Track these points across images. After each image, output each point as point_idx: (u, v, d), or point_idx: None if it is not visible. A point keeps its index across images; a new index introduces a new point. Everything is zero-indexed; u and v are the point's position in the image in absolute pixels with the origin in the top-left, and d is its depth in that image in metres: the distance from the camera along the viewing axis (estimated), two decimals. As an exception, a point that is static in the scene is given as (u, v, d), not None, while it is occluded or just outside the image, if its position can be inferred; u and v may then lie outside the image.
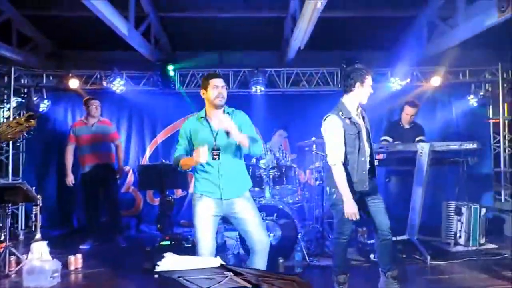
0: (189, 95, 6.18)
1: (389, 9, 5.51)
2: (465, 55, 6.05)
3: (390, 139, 4.83)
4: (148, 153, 6.41)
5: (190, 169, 2.90)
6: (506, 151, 6.22)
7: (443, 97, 6.45)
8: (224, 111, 2.92)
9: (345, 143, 2.99)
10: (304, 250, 4.30)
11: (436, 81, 5.94)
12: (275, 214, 4.26)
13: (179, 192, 6.36)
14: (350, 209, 2.94)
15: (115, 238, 5.12)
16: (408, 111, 4.96)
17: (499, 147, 6.28)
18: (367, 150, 3.11)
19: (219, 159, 2.80)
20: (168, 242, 4.14)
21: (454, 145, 4.29)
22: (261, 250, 2.88)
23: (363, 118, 3.17)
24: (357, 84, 3.03)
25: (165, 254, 1.46)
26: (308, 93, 6.15)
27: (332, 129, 3.00)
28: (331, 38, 6.02)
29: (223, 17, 5.58)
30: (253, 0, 5.36)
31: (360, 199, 3.10)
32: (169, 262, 1.41)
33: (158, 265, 1.43)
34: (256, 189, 4.64)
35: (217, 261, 1.29)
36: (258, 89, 5.83)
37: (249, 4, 5.41)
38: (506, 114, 6.23)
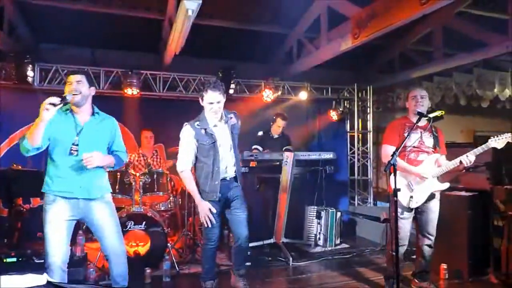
0: (50, 92, 5.55)
1: (265, 24, 5.83)
2: (328, 74, 6.78)
3: (260, 148, 5.08)
4: (-3, 156, 5.53)
5: (37, 145, 2.55)
6: (360, 161, 7.11)
7: (309, 111, 7.06)
8: (93, 112, 2.81)
9: (198, 153, 3.11)
10: (174, 258, 4.23)
11: (303, 95, 6.49)
12: (144, 222, 4.10)
13: (36, 201, 5.62)
14: (203, 208, 3.04)
15: None
16: (280, 123, 5.30)
17: (354, 157, 7.14)
18: (227, 160, 3.17)
19: (77, 155, 2.65)
20: (13, 259, 3.59)
21: (314, 155, 4.74)
22: (115, 256, 2.78)
23: (232, 127, 3.21)
24: (200, 99, 3.15)
25: (-20, 275, 1.24)
26: (185, 99, 6.09)
27: (183, 138, 3.13)
28: (211, 46, 6.10)
29: (96, 12, 5.17)
30: (131, -1, 5.12)
31: (224, 206, 3.21)
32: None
33: (-31, 289, 1.20)
34: (125, 196, 4.40)
35: (43, 279, 1.14)
36: (132, 91, 5.53)
37: (124, 2, 5.14)
38: (360, 129, 7.14)
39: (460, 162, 3.18)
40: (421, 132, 3.33)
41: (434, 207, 3.38)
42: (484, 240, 3.81)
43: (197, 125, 3.09)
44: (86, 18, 5.22)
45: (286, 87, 6.57)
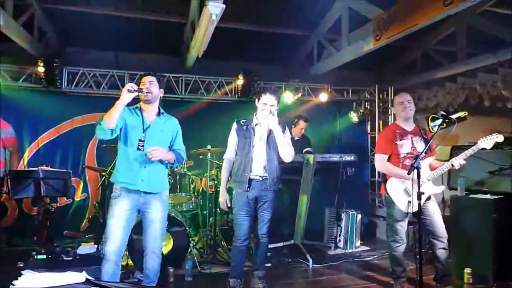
0: (78, 95, 5.74)
1: (285, 26, 5.86)
2: (348, 75, 6.74)
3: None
4: (26, 157, 5.73)
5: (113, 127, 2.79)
6: (380, 162, 7.03)
7: (329, 112, 7.04)
8: (159, 113, 3.07)
9: (237, 146, 3.42)
10: (195, 258, 4.31)
11: (323, 97, 6.47)
12: (167, 223, 4.18)
13: (63, 200, 5.81)
14: (220, 198, 3.47)
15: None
16: (302, 125, 5.32)
17: (374, 159, 7.05)
18: (258, 159, 3.35)
19: (143, 150, 2.88)
20: (43, 256, 3.73)
21: (335, 157, 4.73)
22: (153, 251, 2.99)
23: (271, 131, 3.34)
24: (256, 100, 3.47)
25: (22, 272, 1.32)
26: (206, 101, 6.18)
27: (230, 132, 3.50)
28: (231, 49, 6.16)
29: (119, 16, 5.32)
30: (152, 2, 5.22)
31: (255, 206, 3.39)
32: (27, 281, 1.28)
33: (13, 285, 1.28)
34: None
35: (82, 277, 1.21)
36: (155, 93, 5.64)
37: (147, 6, 5.26)
38: (381, 130, 7.06)
39: (452, 165, 3.20)
40: (411, 138, 3.39)
41: (435, 209, 3.38)
42: (509, 244, 3.72)
43: (243, 122, 3.45)
44: (110, 22, 5.36)
45: (306, 88, 6.57)
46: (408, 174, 2.77)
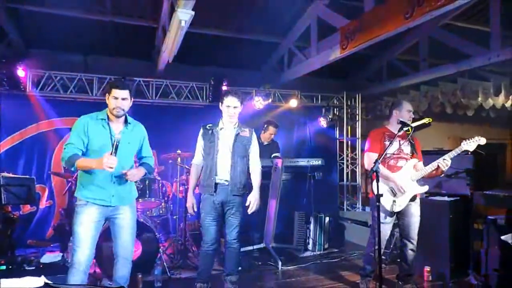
0: (44, 99, 5.60)
1: (257, 33, 5.96)
2: (318, 81, 6.93)
3: (250, 155, 5.16)
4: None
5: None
6: (349, 167, 7.25)
7: (299, 118, 7.19)
8: (126, 121, 2.92)
9: (203, 150, 3.46)
10: (165, 263, 4.29)
11: (293, 103, 6.62)
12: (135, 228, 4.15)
13: (26, 208, 5.63)
14: (187, 202, 3.49)
15: None
16: (272, 130, 5.40)
17: (343, 163, 7.27)
18: (223, 164, 3.38)
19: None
20: (3, 267, 3.62)
21: (302, 161, 4.86)
22: (124, 258, 2.96)
23: (240, 138, 3.42)
24: (220, 103, 3.49)
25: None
26: (177, 106, 6.17)
27: (198, 136, 3.53)
28: (203, 54, 6.20)
29: (89, 19, 5.25)
30: (123, 6, 5.19)
31: (221, 211, 3.41)
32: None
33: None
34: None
35: (40, 281, 1.21)
36: (124, 98, 5.59)
37: (118, 9, 5.22)
38: (349, 136, 7.28)
39: (438, 166, 3.34)
40: (399, 141, 3.52)
41: (416, 211, 3.51)
42: (465, 243, 3.96)
43: (208, 126, 3.48)
44: (79, 24, 5.27)
45: (277, 94, 6.69)
46: (368, 177, 2.89)
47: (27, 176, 4.81)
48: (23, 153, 5.60)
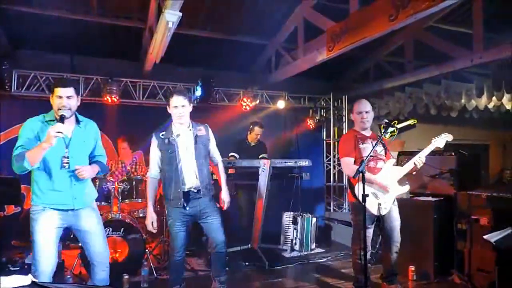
0: (29, 99, 5.53)
1: (245, 34, 5.98)
2: (305, 83, 6.98)
3: (237, 155, 5.20)
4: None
5: (37, 166, 2.60)
6: (335, 168, 7.31)
7: (287, 119, 7.23)
8: (77, 120, 2.82)
9: (161, 161, 3.23)
10: (152, 264, 4.28)
11: (281, 104, 6.66)
12: (122, 229, 4.15)
13: (11, 209, 5.56)
14: (147, 219, 3.24)
15: None
16: (258, 131, 5.44)
17: (330, 164, 7.34)
18: (189, 170, 3.19)
19: (69, 167, 2.67)
20: (-12, 267, 3.59)
21: (290, 162, 4.89)
22: (100, 263, 2.85)
23: (199, 138, 3.25)
24: (167, 107, 3.24)
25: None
26: (165, 106, 6.13)
27: (150, 147, 3.29)
28: (191, 55, 6.19)
29: (75, 19, 5.20)
30: (110, 7, 5.16)
31: (193, 216, 3.26)
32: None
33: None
34: (103, 203, 4.44)
35: (27, 279, 1.22)
36: (111, 98, 5.57)
37: (106, 10, 5.19)
38: (336, 137, 7.35)
39: (414, 163, 3.43)
40: (371, 142, 3.52)
41: (397, 215, 3.54)
42: (448, 243, 4.02)
43: (162, 135, 3.22)
44: (65, 24, 5.21)
45: (264, 95, 6.72)
46: (354, 177, 2.92)
47: (12, 177, 4.75)
48: (8, 153, 5.49)
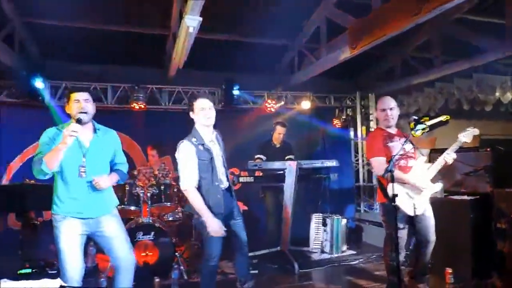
0: (61, 109, 5.73)
1: (266, 36, 5.97)
2: (330, 82, 6.88)
3: (263, 157, 5.18)
4: (11, 172, 5.69)
5: (56, 170, 2.62)
6: (364, 168, 7.16)
7: (312, 119, 7.14)
8: (94, 129, 2.82)
9: (198, 169, 3.00)
10: (182, 267, 4.32)
11: (306, 104, 6.59)
12: (153, 233, 4.22)
13: (49, 214, 5.75)
14: (214, 226, 2.91)
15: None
16: (280, 130, 5.39)
17: (358, 164, 7.19)
18: (222, 174, 3.17)
19: (86, 176, 2.68)
20: (28, 270, 3.74)
21: (317, 163, 4.82)
22: (126, 269, 2.84)
23: (218, 143, 3.23)
24: (191, 112, 3.13)
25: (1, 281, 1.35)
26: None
27: (184, 155, 3.00)
28: (214, 59, 6.24)
29: (101, 29, 5.37)
30: (134, 16, 5.29)
31: (226, 218, 3.16)
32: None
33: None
34: (133, 207, 4.53)
35: (57, 283, 1.25)
36: (138, 105, 5.69)
37: (130, 19, 5.32)
38: (363, 136, 7.21)
39: (445, 160, 3.29)
40: (399, 139, 3.37)
41: (431, 213, 3.40)
42: (487, 243, 3.83)
43: (194, 141, 3.03)
44: (92, 35, 5.40)
45: (288, 97, 6.68)
46: (383, 177, 2.83)
47: (47, 184, 4.93)
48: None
